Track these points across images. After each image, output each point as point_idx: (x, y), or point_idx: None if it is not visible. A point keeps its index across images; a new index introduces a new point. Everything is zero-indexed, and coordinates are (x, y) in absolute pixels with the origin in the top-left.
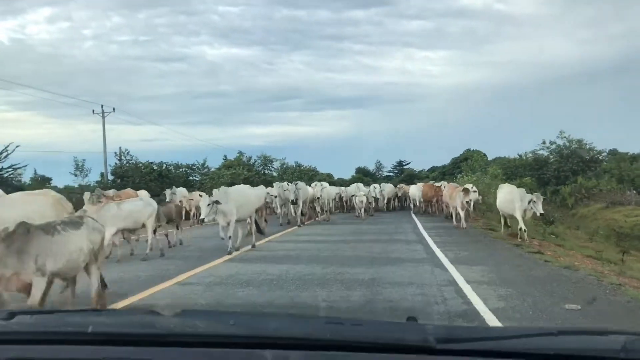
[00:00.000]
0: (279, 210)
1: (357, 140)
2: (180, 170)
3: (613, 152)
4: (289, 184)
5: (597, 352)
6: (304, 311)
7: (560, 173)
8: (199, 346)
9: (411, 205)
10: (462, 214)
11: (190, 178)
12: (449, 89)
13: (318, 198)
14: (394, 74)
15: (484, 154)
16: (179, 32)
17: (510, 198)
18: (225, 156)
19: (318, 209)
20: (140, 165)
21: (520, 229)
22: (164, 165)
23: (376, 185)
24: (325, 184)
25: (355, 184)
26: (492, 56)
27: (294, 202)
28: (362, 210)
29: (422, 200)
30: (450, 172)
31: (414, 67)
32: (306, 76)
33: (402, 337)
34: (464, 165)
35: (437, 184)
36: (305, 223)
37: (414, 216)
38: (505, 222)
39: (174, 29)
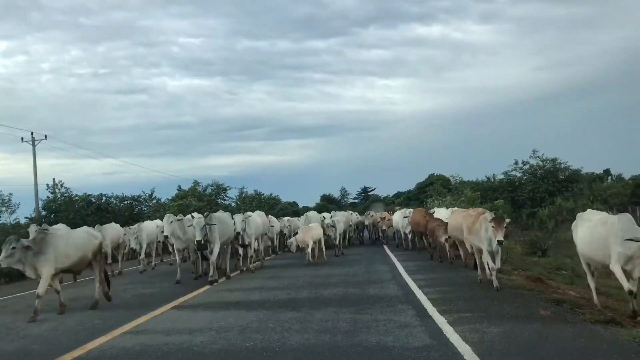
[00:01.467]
0: (177, 259)
1: (321, 168)
2: (125, 202)
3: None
4: (194, 216)
5: None
6: None
7: (536, 194)
8: None
9: (395, 238)
10: (495, 262)
11: (137, 211)
12: (410, 115)
13: (239, 233)
14: (355, 102)
15: (448, 178)
16: (139, 63)
17: (603, 235)
18: (179, 186)
19: (240, 250)
20: (77, 198)
21: (631, 292)
22: (104, 198)
23: (325, 214)
24: (251, 214)
25: (307, 213)
26: (451, 83)
27: (203, 246)
28: (319, 249)
29: (409, 231)
30: (415, 197)
31: (375, 95)
32: (268, 106)
33: None
34: (431, 189)
35: (430, 211)
36: (231, 275)
37: (388, 252)
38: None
39: (134, 60)
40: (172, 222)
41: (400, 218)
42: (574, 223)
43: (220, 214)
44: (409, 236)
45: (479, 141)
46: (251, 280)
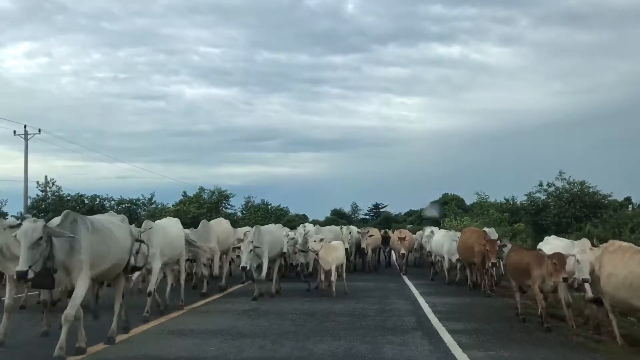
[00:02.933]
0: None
1: (334, 182)
2: (123, 205)
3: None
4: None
5: None
6: None
7: (561, 219)
8: None
9: (438, 267)
10: None
11: (135, 215)
12: (425, 134)
13: (137, 253)
14: (371, 118)
15: (462, 199)
16: (158, 70)
17: None
18: (184, 192)
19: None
20: (68, 197)
21: None
22: (98, 199)
23: (305, 225)
24: (153, 224)
25: (266, 226)
26: (468, 104)
27: (38, 282)
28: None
29: (454, 259)
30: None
31: (391, 112)
32: (284, 118)
33: None
34: (446, 209)
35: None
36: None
37: (407, 282)
38: None
39: (154, 67)
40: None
41: (446, 239)
42: None
43: (103, 218)
44: (455, 265)
45: (493, 164)
46: (218, 316)
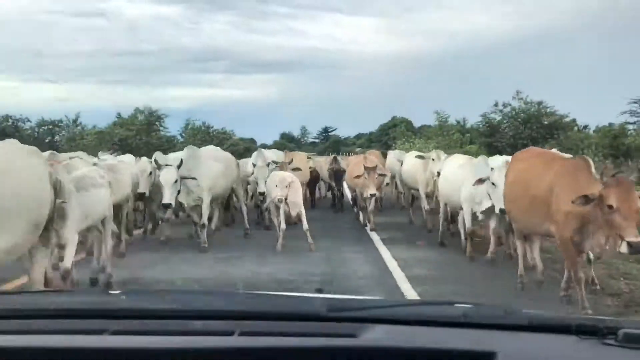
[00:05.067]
0: None
1: (283, 105)
2: (44, 127)
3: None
4: None
5: (444, 318)
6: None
7: (517, 141)
8: (142, 318)
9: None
10: None
11: (58, 139)
12: (375, 56)
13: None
14: (320, 39)
15: (411, 121)
16: None
17: None
18: (119, 114)
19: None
20: None
21: None
22: (10, 120)
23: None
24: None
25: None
26: (419, 25)
27: None
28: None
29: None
30: (378, 139)
31: (341, 33)
32: (231, 38)
33: (298, 307)
34: (396, 132)
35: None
36: None
37: (376, 238)
38: None
39: None
40: None
41: (465, 177)
42: None
43: None
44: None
45: (444, 85)
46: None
